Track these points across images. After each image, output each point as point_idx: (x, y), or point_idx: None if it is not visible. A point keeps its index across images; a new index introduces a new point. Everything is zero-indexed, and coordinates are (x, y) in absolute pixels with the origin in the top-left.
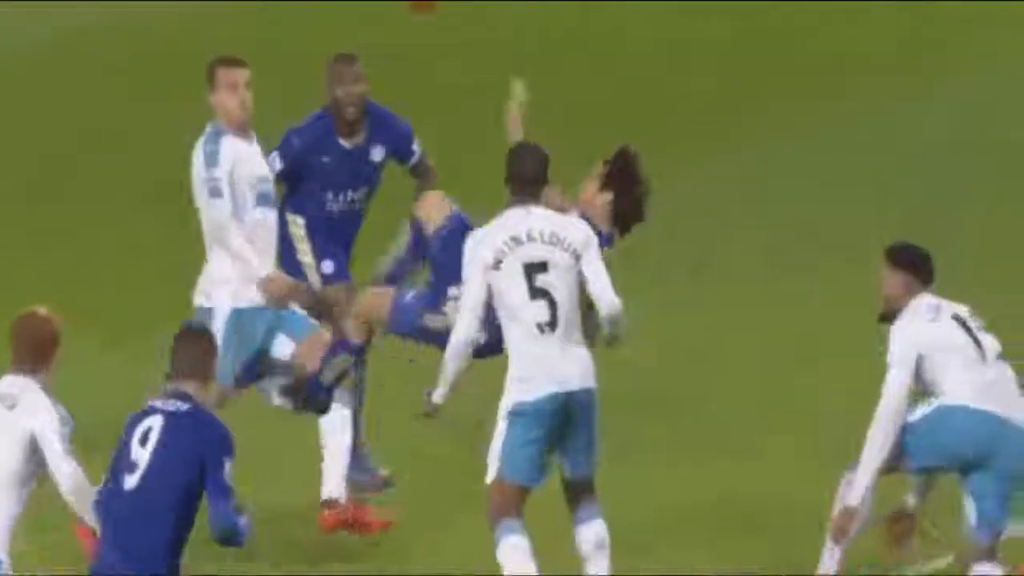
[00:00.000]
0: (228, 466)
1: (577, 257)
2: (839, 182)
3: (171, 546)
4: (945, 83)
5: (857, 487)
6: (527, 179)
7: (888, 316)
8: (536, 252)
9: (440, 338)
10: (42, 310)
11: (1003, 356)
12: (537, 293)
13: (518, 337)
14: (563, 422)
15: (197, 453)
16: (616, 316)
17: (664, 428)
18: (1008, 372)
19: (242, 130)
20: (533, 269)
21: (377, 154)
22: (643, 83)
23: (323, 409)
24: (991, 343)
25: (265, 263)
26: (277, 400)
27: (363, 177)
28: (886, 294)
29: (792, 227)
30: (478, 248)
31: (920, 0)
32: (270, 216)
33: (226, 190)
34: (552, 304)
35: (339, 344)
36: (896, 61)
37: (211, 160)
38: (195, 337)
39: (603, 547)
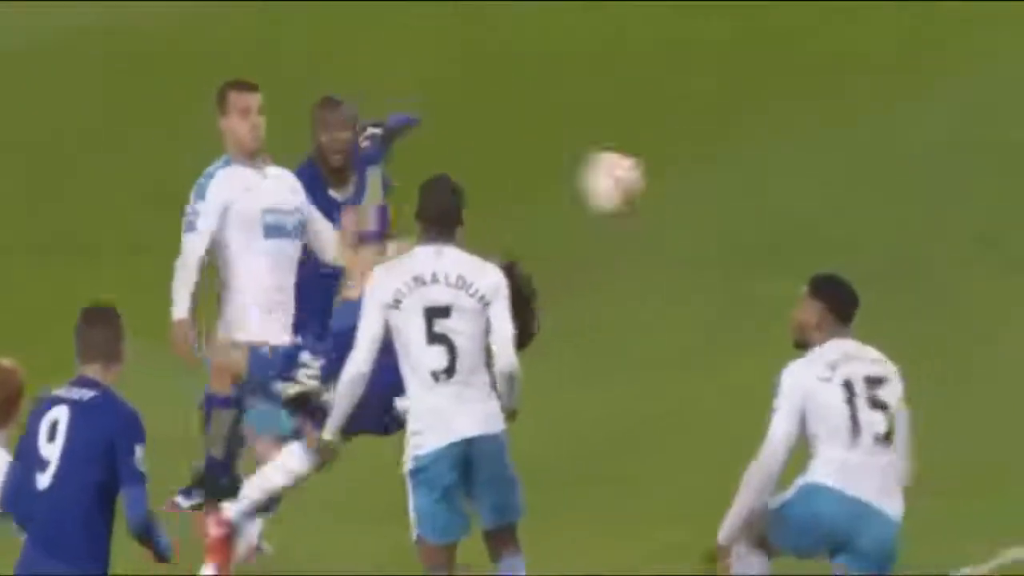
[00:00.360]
0: (139, 451)
1: (485, 304)
2: (839, 182)
3: (95, 541)
4: (945, 83)
5: (726, 527)
6: (434, 217)
7: (800, 344)
8: (438, 295)
9: (307, 408)
10: (6, 361)
11: (887, 439)
12: (435, 338)
13: (414, 387)
14: (465, 473)
15: (106, 441)
16: (510, 374)
17: (663, 427)
18: (884, 459)
19: (252, 158)
20: (434, 313)
21: None
22: (643, 83)
23: (232, 493)
24: (875, 423)
25: (284, 297)
26: (185, 505)
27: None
28: (798, 320)
29: (792, 227)
30: (379, 284)
31: (920, 0)
32: (286, 247)
33: (201, 225)
34: (451, 350)
35: (207, 400)
36: (896, 61)
37: (197, 192)
38: (100, 317)
39: None
